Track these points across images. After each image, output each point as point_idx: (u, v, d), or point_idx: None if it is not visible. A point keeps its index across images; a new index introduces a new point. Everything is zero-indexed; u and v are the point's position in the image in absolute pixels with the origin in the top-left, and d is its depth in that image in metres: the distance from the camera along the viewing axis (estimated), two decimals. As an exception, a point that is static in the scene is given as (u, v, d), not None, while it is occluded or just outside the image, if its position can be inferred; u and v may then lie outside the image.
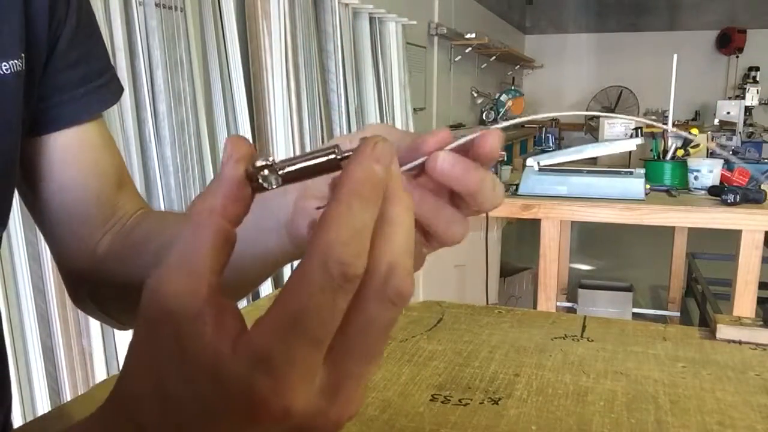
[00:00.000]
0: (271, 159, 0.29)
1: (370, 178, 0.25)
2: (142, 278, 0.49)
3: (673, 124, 2.95)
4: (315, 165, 0.29)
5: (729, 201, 1.90)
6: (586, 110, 7.99)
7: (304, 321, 0.24)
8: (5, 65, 0.47)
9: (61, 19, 0.51)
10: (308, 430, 0.26)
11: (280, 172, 0.29)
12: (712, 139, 2.69)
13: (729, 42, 7.87)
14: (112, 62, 0.60)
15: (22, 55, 0.48)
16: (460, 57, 5.76)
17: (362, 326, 0.25)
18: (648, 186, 2.07)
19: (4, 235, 0.52)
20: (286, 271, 2.74)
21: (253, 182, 0.29)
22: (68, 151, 0.54)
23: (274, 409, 0.24)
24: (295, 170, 0.29)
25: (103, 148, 0.57)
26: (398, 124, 3.81)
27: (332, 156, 0.29)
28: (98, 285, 0.56)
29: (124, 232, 0.56)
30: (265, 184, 0.29)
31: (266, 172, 0.28)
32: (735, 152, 2.90)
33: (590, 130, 7.31)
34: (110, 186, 0.56)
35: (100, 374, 1.77)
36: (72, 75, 0.53)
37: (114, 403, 0.27)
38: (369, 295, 0.25)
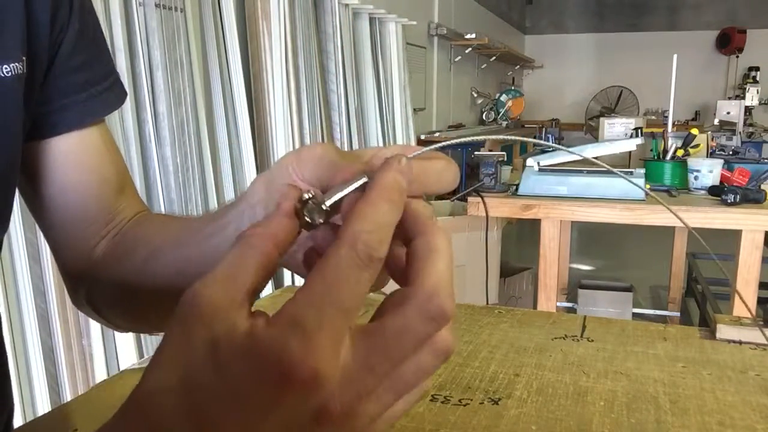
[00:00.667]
0: (312, 192, 0.31)
1: (395, 186, 0.29)
2: (130, 282, 0.48)
3: (673, 124, 2.95)
4: (351, 192, 0.31)
5: (729, 201, 1.90)
6: (586, 110, 8.00)
7: (334, 291, 0.27)
8: (5, 67, 0.47)
9: (64, 23, 0.51)
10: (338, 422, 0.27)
11: (324, 206, 0.31)
12: (713, 139, 2.69)
13: (729, 42, 7.87)
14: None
15: (23, 58, 0.48)
16: (460, 57, 5.76)
17: (399, 330, 0.28)
18: (648, 186, 2.07)
19: (5, 235, 0.52)
20: (286, 273, 2.74)
21: (300, 218, 0.31)
22: (70, 156, 0.54)
23: (304, 372, 0.25)
24: (336, 201, 0.31)
25: (105, 153, 0.57)
26: (398, 125, 3.81)
27: (364, 181, 0.31)
28: (93, 288, 0.56)
29: (119, 236, 0.56)
30: (309, 219, 0.31)
31: (311, 204, 0.31)
32: (735, 152, 2.90)
33: (590, 130, 7.31)
34: (111, 190, 0.56)
35: (100, 374, 1.77)
36: (74, 79, 0.53)
37: (132, 403, 0.27)
38: (412, 309, 0.28)
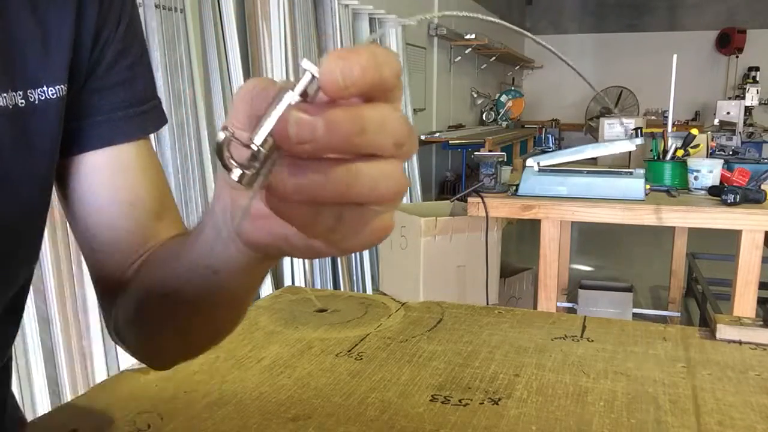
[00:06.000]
0: (228, 131, 0.28)
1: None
2: (140, 298, 0.47)
3: (673, 124, 2.95)
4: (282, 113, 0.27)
5: (729, 201, 1.90)
6: (586, 111, 7.99)
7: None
8: (51, 90, 0.47)
9: (106, 42, 0.51)
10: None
11: (253, 144, 0.27)
12: (713, 140, 2.69)
13: (729, 42, 7.87)
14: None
15: (66, 79, 0.48)
16: (459, 57, 5.76)
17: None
18: (648, 186, 2.06)
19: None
20: (287, 274, 2.74)
21: (228, 167, 0.28)
22: (100, 173, 0.53)
23: None
24: (265, 130, 0.27)
25: (140, 173, 0.55)
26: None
27: (290, 94, 0.27)
28: (118, 310, 0.54)
29: (145, 260, 0.54)
30: (238, 165, 0.27)
31: (229, 145, 0.27)
32: (735, 152, 2.90)
33: (590, 131, 7.30)
34: (146, 212, 0.54)
35: (100, 374, 1.77)
36: (111, 97, 0.53)
37: None
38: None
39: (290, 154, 0.27)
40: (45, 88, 0.47)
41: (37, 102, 0.47)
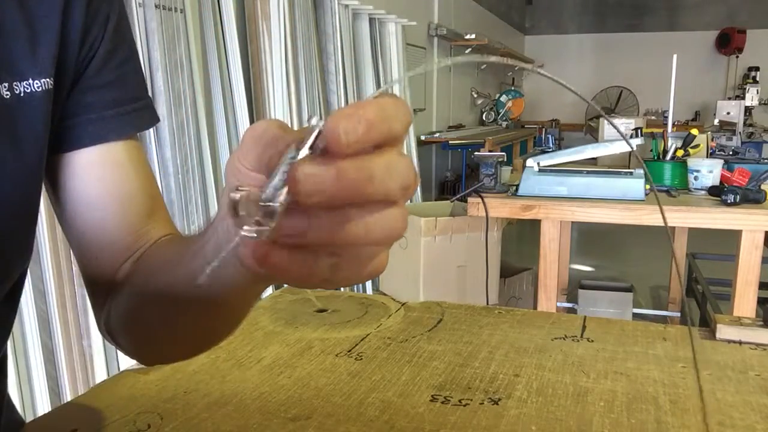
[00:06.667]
0: (243, 191, 0.28)
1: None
2: (135, 302, 0.47)
3: (673, 124, 2.95)
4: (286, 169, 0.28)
5: (729, 201, 1.90)
6: (586, 111, 8.00)
7: None
8: (37, 83, 0.47)
9: (94, 42, 0.52)
10: None
11: (262, 201, 0.28)
12: (713, 140, 2.69)
13: (729, 42, 7.87)
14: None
15: (53, 74, 0.49)
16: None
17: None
18: (648, 187, 2.06)
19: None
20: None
21: (240, 223, 0.28)
22: (91, 169, 0.53)
23: None
24: (273, 190, 0.28)
25: (131, 171, 0.55)
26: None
27: (294, 153, 0.28)
28: (110, 310, 0.54)
29: (140, 258, 0.54)
30: (252, 225, 0.28)
31: (245, 203, 0.28)
32: (735, 152, 2.90)
33: (590, 131, 7.31)
34: (137, 210, 0.55)
35: (100, 375, 1.77)
36: (101, 96, 0.53)
37: None
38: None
39: (303, 207, 0.28)
40: (31, 81, 0.47)
41: (22, 95, 0.47)
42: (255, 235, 0.28)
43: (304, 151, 0.28)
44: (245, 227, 0.28)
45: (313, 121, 0.28)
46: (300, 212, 0.28)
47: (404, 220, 0.30)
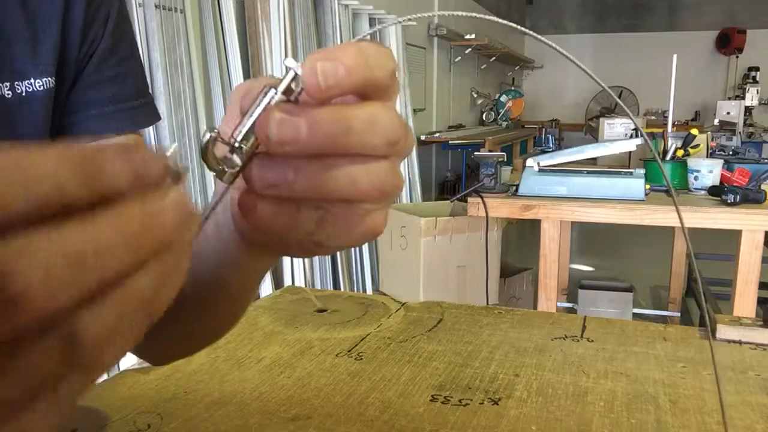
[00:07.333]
0: (213, 132, 0.27)
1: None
2: None
3: (673, 124, 2.95)
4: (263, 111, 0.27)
5: (729, 201, 1.90)
6: (586, 111, 8.00)
7: None
8: (38, 82, 0.48)
9: (94, 40, 0.52)
10: None
11: (234, 140, 0.27)
12: (713, 140, 2.69)
13: (729, 42, 7.87)
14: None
15: (54, 72, 0.49)
16: (459, 57, 5.76)
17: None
18: (648, 186, 2.06)
19: None
20: (287, 274, 2.74)
21: (212, 167, 0.27)
22: None
23: None
24: (248, 129, 0.27)
25: None
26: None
27: (272, 92, 0.26)
28: None
29: None
30: (223, 165, 0.27)
31: (213, 143, 0.27)
32: (735, 152, 2.90)
33: (590, 131, 7.31)
34: None
35: (101, 375, 1.77)
36: (102, 92, 0.54)
37: None
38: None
39: (274, 154, 0.27)
40: (32, 80, 0.48)
41: (24, 94, 0.47)
42: (224, 174, 0.27)
43: (278, 95, 0.26)
44: (215, 168, 0.27)
45: (288, 62, 0.26)
46: (283, 162, 0.27)
47: (395, 176, 0.28)
